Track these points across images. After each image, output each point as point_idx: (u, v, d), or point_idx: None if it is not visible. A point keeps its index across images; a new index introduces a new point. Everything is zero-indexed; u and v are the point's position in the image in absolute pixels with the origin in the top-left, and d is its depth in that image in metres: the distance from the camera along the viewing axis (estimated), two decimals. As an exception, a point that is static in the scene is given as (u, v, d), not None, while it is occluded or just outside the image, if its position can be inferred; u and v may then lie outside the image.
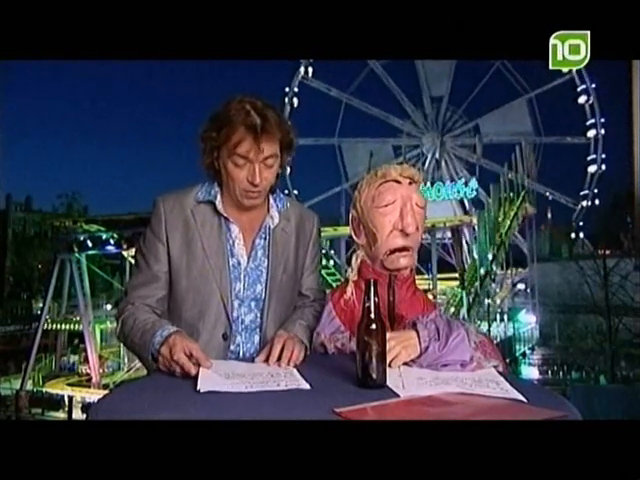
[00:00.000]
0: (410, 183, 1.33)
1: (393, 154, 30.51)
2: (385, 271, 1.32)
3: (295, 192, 28.24)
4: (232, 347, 1.34)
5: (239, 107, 1.25)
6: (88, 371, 19.74)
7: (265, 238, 1.38)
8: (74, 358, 21.57)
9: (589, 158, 28.59)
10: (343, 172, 30.75)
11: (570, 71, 27.11)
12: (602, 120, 28.08)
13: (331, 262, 21.64)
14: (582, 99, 28.06)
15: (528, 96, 28.54)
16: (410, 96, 30.44)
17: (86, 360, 20.04)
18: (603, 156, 28.19)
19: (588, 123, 28.42)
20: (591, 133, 28.32)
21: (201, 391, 0.98)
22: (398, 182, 1.32)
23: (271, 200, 1.40)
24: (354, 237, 1.38)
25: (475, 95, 29.81)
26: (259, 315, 1.36)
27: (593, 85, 27.85)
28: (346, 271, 1.44)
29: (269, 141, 1.25)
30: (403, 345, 1.13)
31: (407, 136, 30.60)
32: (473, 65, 28.97)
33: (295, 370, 1.15)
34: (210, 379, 1.05)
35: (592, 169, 28.45)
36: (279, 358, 1.19)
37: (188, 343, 1.13)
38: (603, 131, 28.07)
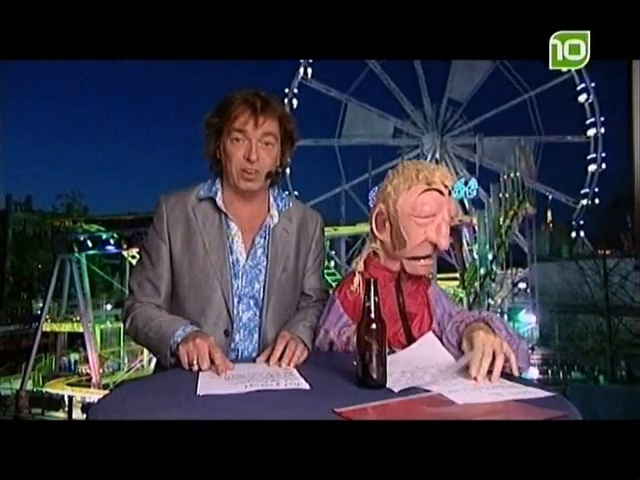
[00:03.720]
0: (449, 192, 1.29)
1: (392, 135, 30.49)
2: (394, 269, 1.32)
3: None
4: (232, 345, 1.35)
5: (241, 93, 1.32)
6: (88, 371, 19.76)
7: (265, 237, 1.38)
8: (74, 357, 21.59)
9: (589, 157, 28.56)
10: (339, 128, 30.65)
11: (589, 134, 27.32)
12: (602, 119, 27.98)
13: (332, 263, 21.60)
14: (592, 168, 28.09)
15: (539, 140, 28.09)
16: (430, 92, 30.39)
17: (86, 360, 20.07)
18: (603, 155, 28.11)
19: (588, 129, 28.38)
20: (591, 132, 28.24)
21: (201, 395, 0.98)
22: (441, 192, 1.27)
23: (272, 199, 1.41)
24: (375, 231, 1.33)
25: (491, 116, 29.77)
26: (257, 314, 1.37)
27: (602, 118, 27.87)
28: (346, 270, 1.44)
29: (267, 118, 1.30)
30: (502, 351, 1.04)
31: (412, 124, 30.47)
32: (502, 86, 29.02)
33: (295, 370, 1.15)
34: (210, 382, 1.06)
35: (592, 168, 28.37)
36: (280, 358, 1.20)
37: (213, 350, 1.15)
38: (603, 130, 28.00)
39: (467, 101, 29.78)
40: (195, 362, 1.13)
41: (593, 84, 27.70)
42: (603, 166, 27.94)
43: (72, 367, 21.30)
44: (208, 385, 1.03)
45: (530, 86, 28.65)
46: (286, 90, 28.05)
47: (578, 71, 27.41)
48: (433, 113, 30.25)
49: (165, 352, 1.23)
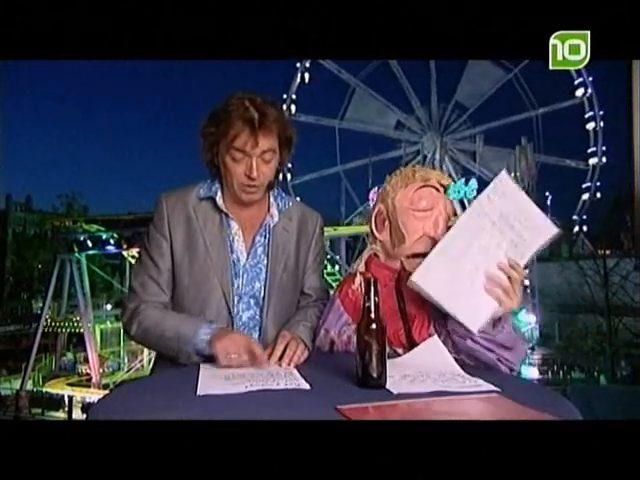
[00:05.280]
0: (445, 192, 1.33)
1: (394, 127, 30.39)
2: (394, 268, 1.32)
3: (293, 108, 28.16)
4: None
5: (238, 103, 1.27)
6: (88, 371, 19.76)
7: (265, 236, 1.39)
8: (72, 357, 21.60)
9: (584, 186, 28.41)
10: (343, 111, 30.36)
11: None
12: (603, 148, 27.70)
13: (334, 265, 21.57)
14: (585, 197, 27.71)
15: (538, 159, 26.78)
16: (439, 92, 30.21)
17: (86, 360, 20.08)
18: (598, 184, 27.80)
19: (590, 157, 28.18)
20: (592, 160, 28.04)
21: (201, 395, 0.98)
22: (437, 189, 1.32)
23: (271, 199, 1.41)
24: (375, 232, 1.36)
25: (495, 126, 29.55)
26: (257, 313, 1.37)
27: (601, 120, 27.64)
28: (346, 271, 1.45)
29: (266, 135, 1.27)
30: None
31: (415, 120, 30.34)
32: (511, 99, 28.79)
33: (295, 370, 1.15)
34: (210, 383, 1.06)
35: (585, 196, 28.15)
36: (281, 358, 1.20)
37: (253, 344, 1.20)
38: (604, 159, 27.73)
39: (474, 107, 29.56)
40: (237, 355, 1.17)
41: (601, 112, 27.50)
42: (598, 195, 27.64)
43: (72, 367, 21.30)
44: (208, 385, 1.03)
45: (539, 104, 28.36)
46: (297, 65, 27.89)
47: (589, 98, 27.34)
48: (439, 113, 30.10)
49: (188, 350, 1.24)
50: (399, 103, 30.44)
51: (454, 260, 1.15)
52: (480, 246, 1.14)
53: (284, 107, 28.15)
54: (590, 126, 27.69)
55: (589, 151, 28.20)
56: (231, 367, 1.15)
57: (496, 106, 30.17)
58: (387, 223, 1.34)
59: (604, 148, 27.80)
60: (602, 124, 27.49)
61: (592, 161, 28.15)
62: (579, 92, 27.28)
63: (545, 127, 28.12)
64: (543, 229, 1.15)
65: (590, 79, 27.00)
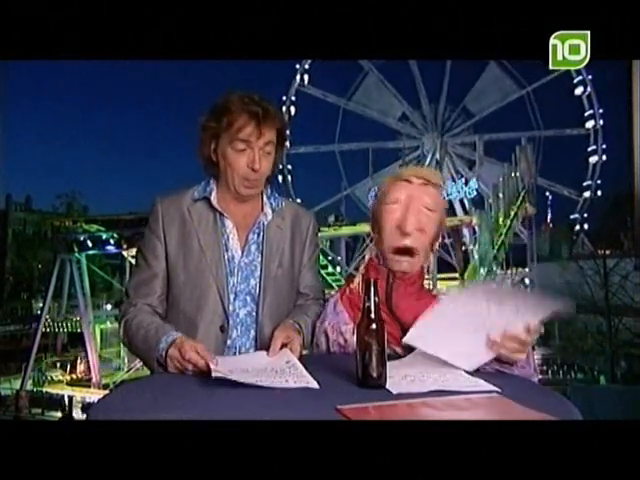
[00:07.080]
0: (425, 184, 1.34)
1: (398, 118, 30.58)
2: (385, 268, 1.33)
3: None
4: (228, 342, 1.36)
5: (238, 99, 1.32)
6: (60, 377, 19.94)
7: (259, 234, 1.40)
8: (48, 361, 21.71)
9: (590, 149, 28.31)
10: (351, 92, 30.69)
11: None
12: (600, 111, 27.50)
13: (327, 259, 21.57)
14: (593, 159, 27.76)
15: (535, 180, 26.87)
16: (450, 94, 30.41)
17: (53, 364, 20.17)
18: (604, 149, 27.81)
19: (585, 190, 28.20)
20: (590, 123, 27.89)
21: (214, 376, 1.02)
22: (409, 182, 1.34)
23: (264, 197, 1.43)
24: (372, 231, 1.42)
25: (498, 139, 29.50)
26: (254, 309, 1.38)
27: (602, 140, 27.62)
28: (346, 271, 1.46)
29: (269, 128, 1.32)
30: None
31: (420, 116, 30.46)
32: (520, 115, 28.83)
33: (299, 365, 1.14)
34: (223, 370, 1.07)
35: (593, 159, 28.18)
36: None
37: (194, 343, 1.18)
38: (602, 122, 27.57)
39: (481, 116, 29.55)
40: (181, 368, 1.16)
41: (604, 145, 27.52)
42: (585, 227, 27.54)
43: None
44: (222, 372, 1.05)
45: (545, 126, 28.35)
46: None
47: (595, 130, 27.35)
48: (444, 113, 30.11)
49: (153, 366, 1.24)
50: (408, 96, 30.62)
51: (452, 322, 1.13)
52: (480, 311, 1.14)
53: (297, 76, 28.20)
54: (593, 159, 27.74)
55: (585, 184, 28.32)
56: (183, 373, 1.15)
57: (502, 119, 30.27)
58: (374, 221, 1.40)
59: (599, 181, 27.90)
60: (605, 157, 27.59)
61: (586, 194, 28.22)
62: (589, 124, 27.28)
63: (546, 150, 28.10)
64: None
65: (600, 111, 27.00)
